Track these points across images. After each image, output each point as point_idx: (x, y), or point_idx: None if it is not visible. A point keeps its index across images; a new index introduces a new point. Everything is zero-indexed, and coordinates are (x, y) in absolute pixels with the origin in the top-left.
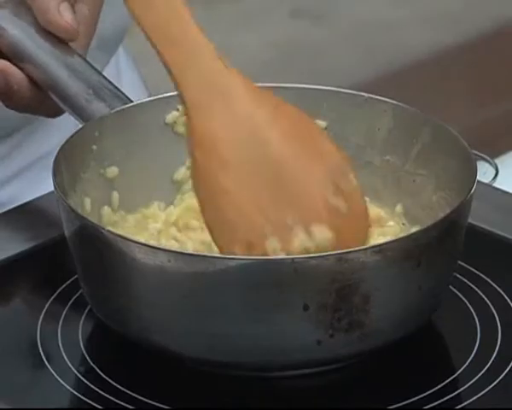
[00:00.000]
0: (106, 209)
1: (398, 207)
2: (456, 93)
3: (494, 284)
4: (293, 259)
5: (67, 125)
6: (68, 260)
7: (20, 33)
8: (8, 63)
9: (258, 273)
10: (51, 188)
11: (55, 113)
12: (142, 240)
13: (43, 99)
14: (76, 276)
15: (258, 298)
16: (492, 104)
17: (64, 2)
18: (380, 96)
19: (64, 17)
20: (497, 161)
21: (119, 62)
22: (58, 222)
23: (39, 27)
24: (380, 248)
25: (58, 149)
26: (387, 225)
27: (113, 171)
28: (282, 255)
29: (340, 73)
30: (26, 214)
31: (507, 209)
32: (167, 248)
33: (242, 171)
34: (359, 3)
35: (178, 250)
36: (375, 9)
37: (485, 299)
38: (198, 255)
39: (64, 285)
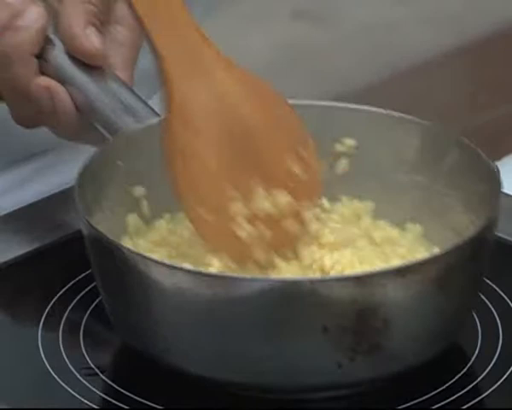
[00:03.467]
0: (131, 218)
1: (419, 228)
2: (457, 95)
3: (495, 286)
4: (311, 280)
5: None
6: (70, 263)
7: (57, 46)
8: (53, 81)
9: (277, 294)
10: None
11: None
12: (160, 259)
13: (87, 124)
14: (77, 278)
15: (277, 319)
16: (494, 106)
17: (89, 27)
18: (380, 97)
19: (91, 42)
20: (498, 163)
21: None
22: (60, 224)
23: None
24: (401, 270)
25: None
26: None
27: (139, 190)
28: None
29: (341, 75)
30: (28, 217)
31: (509, 212)
32: (185, 267)
33: (214, 139)
34: (361, 5)
35: (197, 270)
36: (376, 11)
37: (486, 301)
38: (216, 275)
39: (66, 287)
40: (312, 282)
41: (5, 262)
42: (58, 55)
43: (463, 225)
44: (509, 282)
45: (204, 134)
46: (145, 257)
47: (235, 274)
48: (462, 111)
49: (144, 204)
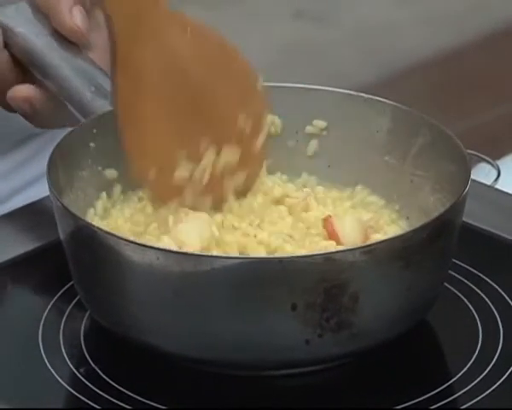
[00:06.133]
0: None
1: (396, 207)
2: (458, 94)
3: (495, 286)
4: (281, 258)
5: None
6: None
7: (25, 31)
8: (30, 87)
9: (246, 272)
10: None
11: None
12: (132, 237)
13: (61, 110)
14: None
15: (246, 297)
16: (494, 105)
17: (76, 6)
18: (381, 97)
19: (74, 20)
20: (499, 162)
21: None
22: None
23: (42, 24)
24: (368, 249)
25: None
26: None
27: (111, 173)
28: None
29: (342, 75)
30: (31, 215)
31: (509, 211)
32: (156, 245)
33: (161, 98)
34: (361, 5)
35: (167, 248)
36: (377, 11)
37: (487, 300)
38: (186, 253)
39: (67, 286)
40: (281, 260)
41: (5, 262)
42: (24, 29)
43: (433, 206)
44: (510, 281)
45: (151, 92)
46: (117, 236)
47: (204, 252)
48: (462, 111)
49: (116, 186)
